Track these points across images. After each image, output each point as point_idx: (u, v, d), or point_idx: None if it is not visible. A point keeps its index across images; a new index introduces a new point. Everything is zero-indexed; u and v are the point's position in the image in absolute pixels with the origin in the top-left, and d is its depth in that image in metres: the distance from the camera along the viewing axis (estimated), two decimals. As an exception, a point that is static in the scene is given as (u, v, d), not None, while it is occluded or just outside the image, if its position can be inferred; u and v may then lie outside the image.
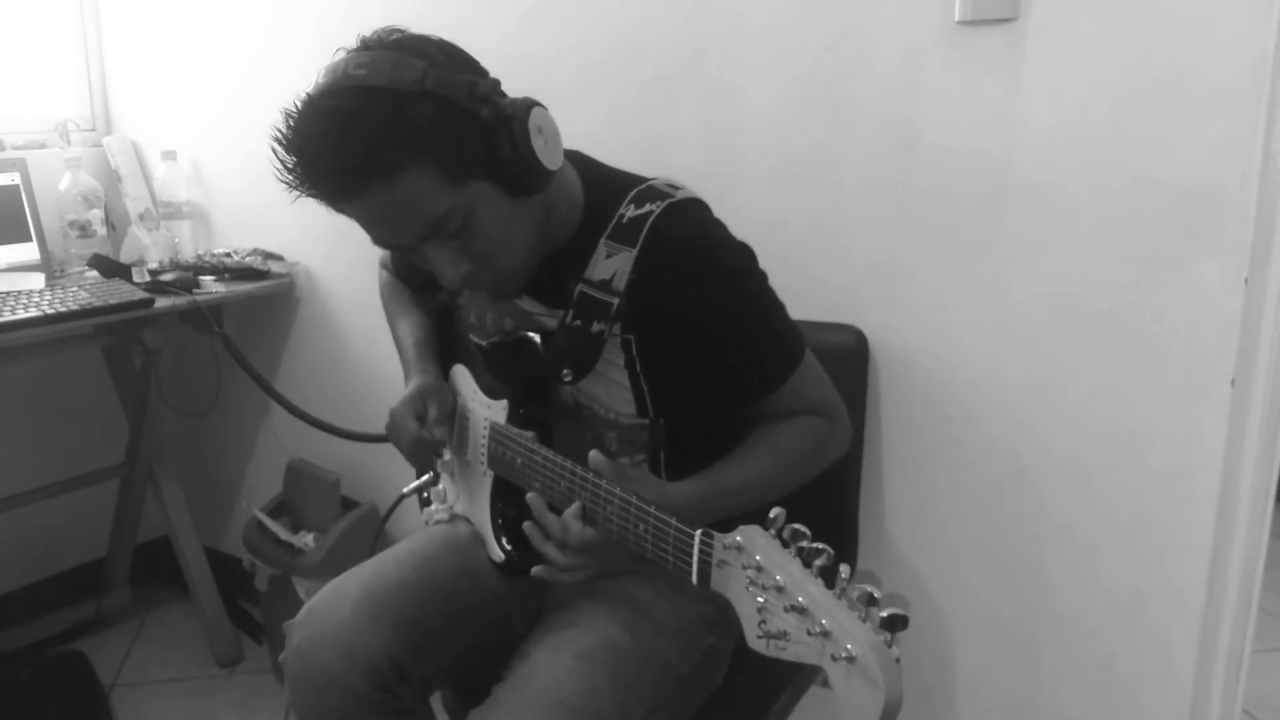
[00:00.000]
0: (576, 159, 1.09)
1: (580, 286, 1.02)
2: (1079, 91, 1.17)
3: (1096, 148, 1.17)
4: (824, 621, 0.70)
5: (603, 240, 1.01)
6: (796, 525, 0.75)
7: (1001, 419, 1.30)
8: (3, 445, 2.13)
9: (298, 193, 0.94)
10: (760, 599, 0.75)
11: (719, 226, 1.04)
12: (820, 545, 0.73)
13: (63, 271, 1.99)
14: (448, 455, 1.23)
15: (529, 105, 0.94)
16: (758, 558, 0.75)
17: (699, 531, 0.82)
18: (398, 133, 0.88)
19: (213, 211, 2.17)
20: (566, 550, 0.96)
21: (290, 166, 0.92)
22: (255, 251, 2.03)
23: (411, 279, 1.35)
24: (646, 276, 1.00)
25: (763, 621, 0.75)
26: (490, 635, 1.15)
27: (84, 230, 2.01)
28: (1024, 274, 1.25)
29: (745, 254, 1.05)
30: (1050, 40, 1.17)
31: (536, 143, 0.93)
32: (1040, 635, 1.34)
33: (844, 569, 0.71)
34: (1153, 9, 1.11)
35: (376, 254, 1.88)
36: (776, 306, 1.06)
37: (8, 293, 1.74)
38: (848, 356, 1.32)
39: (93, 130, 2.25)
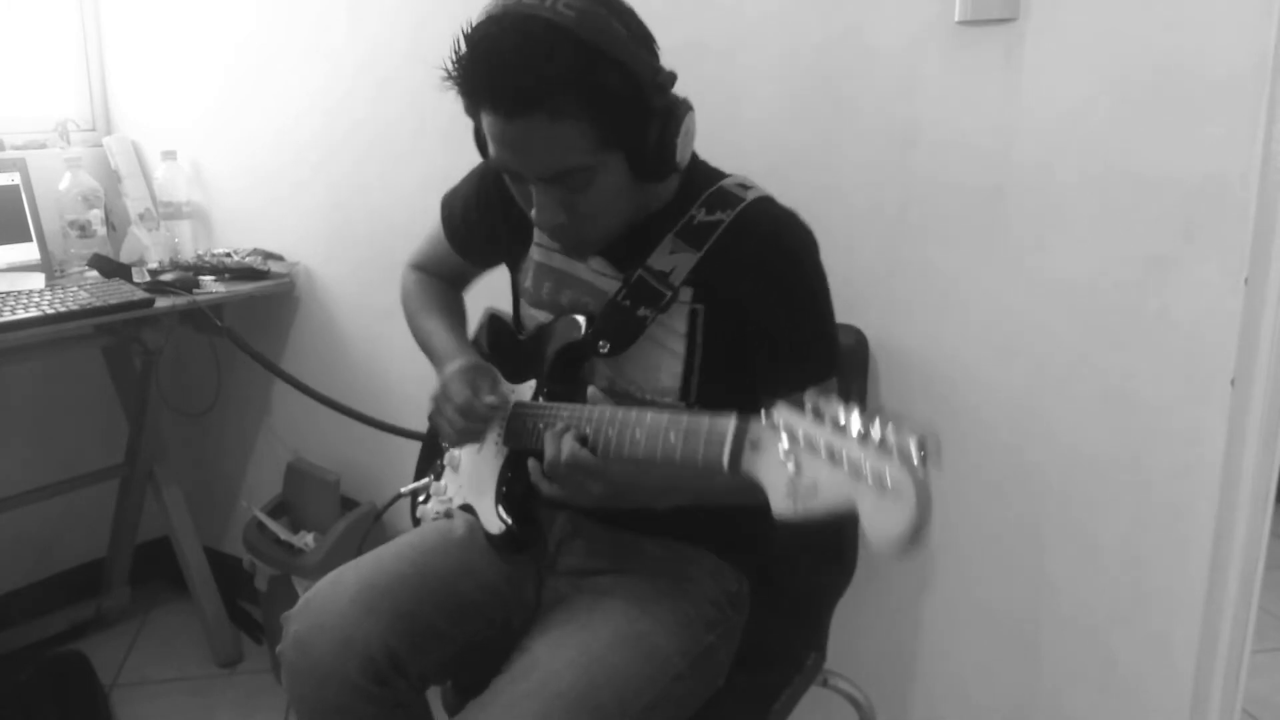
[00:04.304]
0: None
1: (640, 272, 1.06)
2: (1079, 91, 1.17)
3: (1096, 148, 1.17)
4: (853, 458, 0.71)
5: (670, 235, 1.06)
6: (826, 398, 0.77)
7: (1001, 419, 1.30)
8: (3, 445, 2.13)
9: (450, 84, 0.96)
10: (791, 466, 0.76)
11: (793, 218, 1.08)
12: (851, 405, 0.74)
13: (63, 271, 1.99)
14: (456, 451, 1.24)
15: (688, 107, 1.00)
16: (796, 428, 0.76)
17: (734, 415, 0.84)
18: (580, 85, 0.91)
19: (213, 211, 2.17)
20: (559, 466, 0.98)
21: (466, 61, 0.94)
22: (255, 251, 2.03)
23: (447, 271, 1.34)
24: (719, 269, 1.05)
25: (791, 487, 0.76)
26: (488, 633, 1.15)
27: (84, 230, 2.01)
28: (1023, 274, 1.25)
29: (815, 247, 1.08)
30: (1050, 40, 1.17)
31: (680, 141, 0.99)
32: (1040, 635, 1.34)
33: (877, 421, 0.72)
34: (1152, 9, 1.11)
35: (378, 255, 1.89)
36: (831, 309, 1.11)
37: (8, 293, 1.74)
38: (848, 356, 1.32)
39: (93, 130, 2.25)
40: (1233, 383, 1.15)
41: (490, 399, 1.11)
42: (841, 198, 1.35)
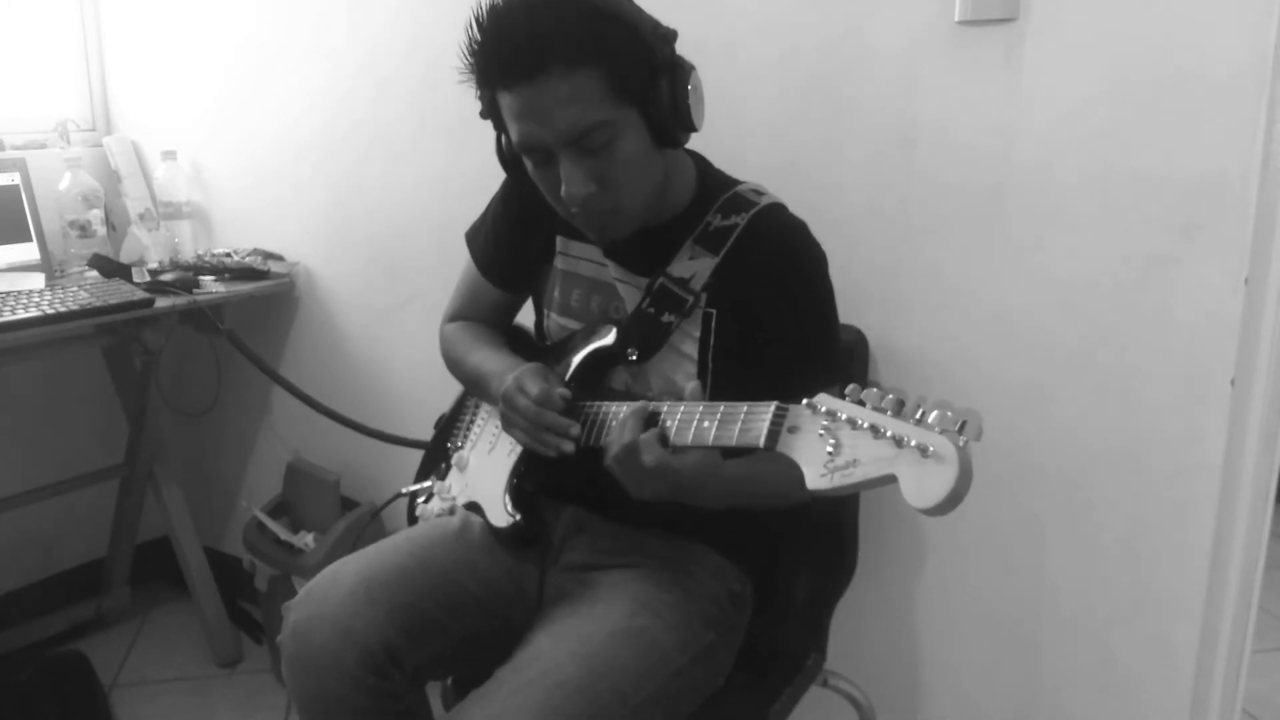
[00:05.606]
0: (694, 153, 1.16)
1: (661, 279, 1.09)
2: (1079, 92, 1.17)
3: (1096, 147, 1.17)
4: (896, 431, 0.72)
5: (689, 242, 1.10)
6: (868, 388, 0.78)
7: (1001, 419, 1.29)
8: (3, 445, 2.13)
9: (467, 75, 1.01)
10: (830, 444, 0.77)
11: (804, 229, 1.11)
12: (892, 393, 0.76)
13: (63, 271, 1.99)
14: (466, 449, 1.23)
15: (692, 66, 1.03)
16: (839, 410, 0.78)
17: (773, 404, 0.85)
18: (589, 34, 0.95)
19: (213, 211, 2.17)
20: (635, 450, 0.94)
21: (478, 44, 0.98)
22: (255, 251, 2.03)
23: (485, 313, 1.32)
24: (733, 273, 1.08)
25: (829, 460, 0.77)
26: (489, 626, 1.16)
27: (84, 230, 2.01)
28: (1023, 274, 1.25)
29: (823, 260, 1.11)
30: (1050, 40, 1.17)
31: (692, 98, 1.01)
32: (1040, 635, 1.34)
33: (916, 401, 0.74)
34: (1152, 9, 1.11)
35: (378, 255, 1.89)
36: (837, 321, 1.13)
37: (8, 293, 1.74)
38: (848, 356, 1.32)
39: (93, 130, 2.25)
40: (1233, 383, 1.15)
41: (564, 391, 1.08)
42: (841, 197, 1.35)
